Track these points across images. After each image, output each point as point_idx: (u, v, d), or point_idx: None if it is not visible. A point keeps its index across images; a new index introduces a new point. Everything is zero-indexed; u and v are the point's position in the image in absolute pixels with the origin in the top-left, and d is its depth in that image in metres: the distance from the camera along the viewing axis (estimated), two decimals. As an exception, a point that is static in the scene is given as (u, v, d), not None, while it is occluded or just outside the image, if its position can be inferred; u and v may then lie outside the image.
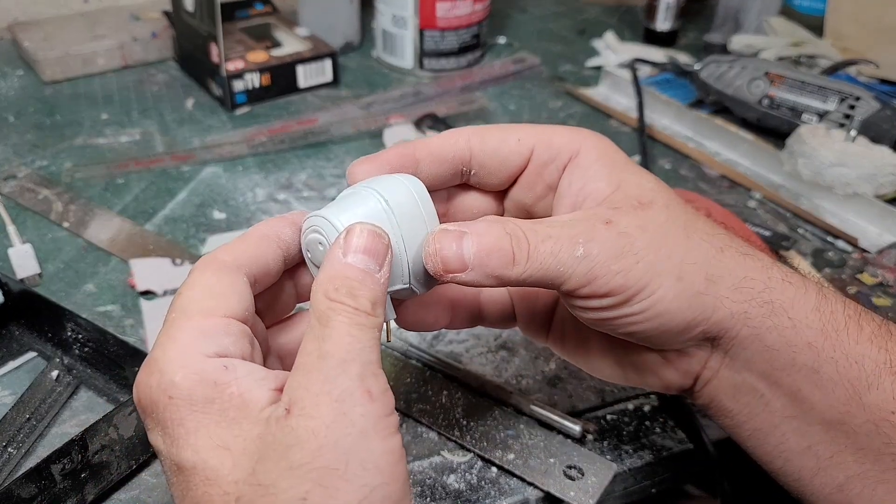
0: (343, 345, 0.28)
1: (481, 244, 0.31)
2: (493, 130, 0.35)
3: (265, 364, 0.33)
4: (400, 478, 0.27)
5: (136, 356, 0.45)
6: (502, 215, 0.38)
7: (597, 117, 0.81)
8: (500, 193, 0.38)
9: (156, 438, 0.28)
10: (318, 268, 0.31)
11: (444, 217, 0.37)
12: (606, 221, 0.32)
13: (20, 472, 0.38)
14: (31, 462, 0.42)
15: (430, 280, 0.33)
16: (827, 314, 0.33)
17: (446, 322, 0.39)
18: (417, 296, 0.34)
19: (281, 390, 0.28)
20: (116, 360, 0.47)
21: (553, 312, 0.40)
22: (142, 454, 0.43)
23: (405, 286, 0.32)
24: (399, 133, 0.74)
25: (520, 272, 0.31)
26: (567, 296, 0.33)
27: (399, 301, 0.36)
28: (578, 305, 0.33)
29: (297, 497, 0.25)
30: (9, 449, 0.43)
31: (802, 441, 0.34)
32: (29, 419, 0.45)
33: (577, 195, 0.34)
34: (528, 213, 0.37)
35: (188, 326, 0.29)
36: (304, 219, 0.33)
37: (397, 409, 0.47)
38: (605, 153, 0.35)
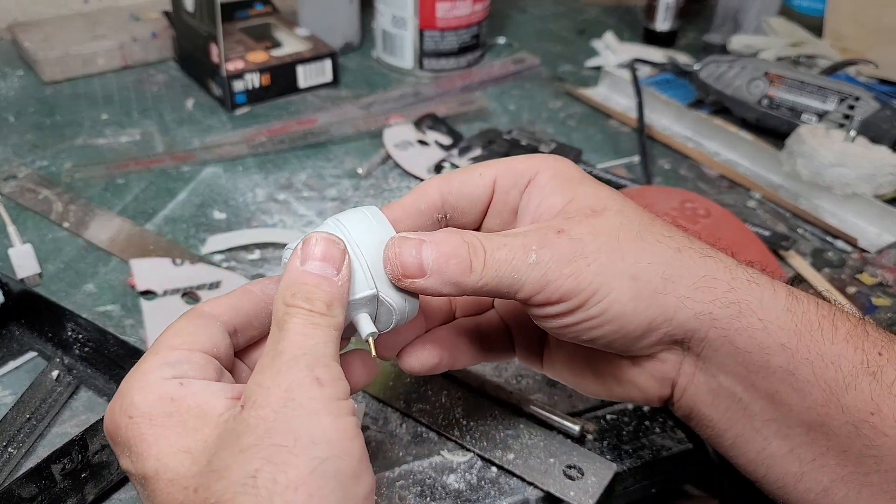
0: (296, 342, 0.29)
1: (440, 251, 0.32)
2: (458, 173, 0.37)
3: None
4: (353, 453, 0.28)
5: (136, 356, 0.45)
6: None
7: (596, 117, 0.81)
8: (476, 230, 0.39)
9: (125, 462, 0.30)
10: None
11: None
12: (559, 231, 0.33)
13: (20, 472, 0.39)
14: (32, 462, 0.42)
15: (399, 289, 0.34)
16: (799, 314, 0.33)
17: (449, 361, 0.39)
18: (406, 320, 0.35)
19: (239, 398, 0.30)
20: (116, 360, 0.47)
21: (545, 339, 0.41)
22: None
23: (372, 291, 0.33)
24: (399, 133, 0.74)
25: (476, 279, 0.32)
26: (525, 304, 0.34)
27: (394, 337, 0.37)
28: (537, 314, 0.34)
29: (247, 475, 0.26)
30: (9, 449, 0.43)
31: (784, 445, 0.34)
32: (29, 419, 0.45)
33: (534, 212, 0.35)
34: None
35: (152, 359, 0.31)
36: None
37: (398, 409, 0.47)
38: (561, 171, 0.36)
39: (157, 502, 0.28)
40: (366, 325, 0.33)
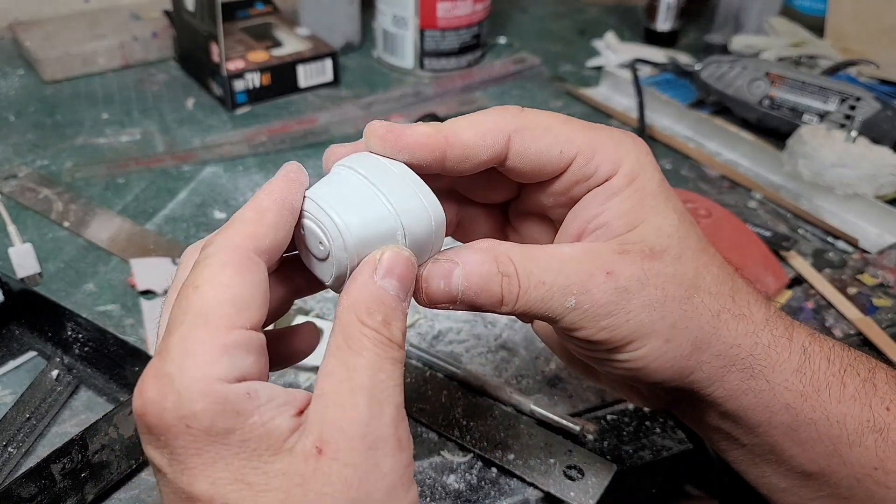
0: (377, 381, 0.26)
1: (470, 283, 0.30)
2: (537, 135, 0.32)
3: None
4: None
5: (136, 356, 0.45)
6: (518, 196, 0.36)
7: (597, 117, 0.81)
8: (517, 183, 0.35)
9: (158, 457, 0.26)
10: (315, 256, 0.30)
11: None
12: (607, 272, 0.30)
13: (20, 472, 0.39)
14: (31, 461, 0.42)
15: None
16: (808, 375, 0.32)
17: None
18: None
19: (301, 413, 0.27)
20: (116, 360, 0.47)
21: None
22: (142, 454, 0.43)
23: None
24: (399, 133, 0.74)
25: (507, 311, 0.31)
26: (556, 328, 0.33)
27: None
28: (565, 338, 0.33)
29: None
30: (9, 448, 0.43)
31: (783, 481, 0.34)
32: (29, 419, 0.45)
33: (590, 221, 0.33)
34: (543, 210, 0.35)
35: (208, 340, 0.26)
36: (306, 187, 0.30)
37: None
38: (639, 180, 0.32)
39: None
40: None
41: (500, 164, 0.32)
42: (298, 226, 0.30)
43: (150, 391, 0.25)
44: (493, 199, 0.36)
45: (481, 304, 0.30)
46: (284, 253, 0.30)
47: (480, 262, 0.30)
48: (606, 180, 0.32)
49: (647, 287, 0.31)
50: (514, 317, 0.40)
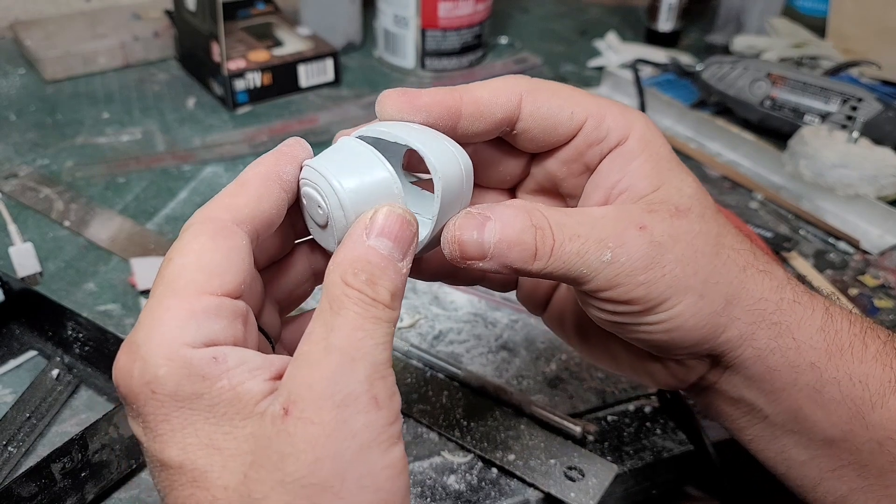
0: (353, 339, 0.25)
1: (504, 235, 0.29)
2: (548, 96, 0.32)
3: (272, 349, 0.31)
4: (399, 492, 0.25)
5: None
6: (527, 177, 0.36)
7: (598, 118, 0.81)
8: (530, 154, 0.35)
9: (136, 428, 0.26)
10: (317, 224, 0.30)
11: None
12: (640, 227, 0.30)
13: (20, 471, 0.38)
14: (32, 461, 0.42)
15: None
16: (832, 334, 0.33)
17: (451, 273, 0.36)
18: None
19: (279, 378, 0.26)
20: (117, 360, 0.47)
21: (555, 289, 0.39)
22: (142, 454, 0.43)
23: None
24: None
25: (540, 267, 0.30)
26: (584, 295, 0.32)
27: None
28: (594, 306, 0.32)
29: None
30: (9, 448, 0.43)
31: (803, 453, 0.34)
32: (29, 418, 0.45)
33: (613, 187, 0.33)
34: (554, 184, 0.35)
35: (175, 307, 0.26)
36: (302, 159, 0.30)
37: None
38: (652, 145, 0.33)
39: (175, 495, 0.25)
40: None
41: (511, 125, 0.32)
42: (300, 197, 0.30)
43: (120, 360, 0.26)
44: (503, 179, 0.36)
45: (513, 260, 0.30)
46: (301, 239, 0.31)
47: (514, 214, 0.30)
48: (618, 144, 0.33)
49: (678, 243, 0.31)
50: (531, 289, 0.39)
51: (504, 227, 0.29)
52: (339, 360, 0.25)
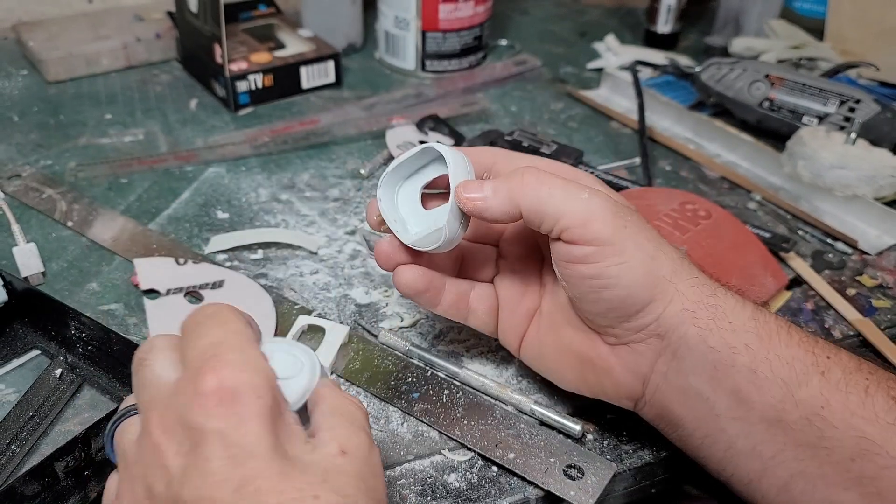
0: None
1: (497, 179, 0.40)
2: (562, 189, 0.39)
3: None
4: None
5: None
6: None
7: (597, 119, 0.82)
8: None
9: (215, 419, 0.29)
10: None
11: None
12: (608, 195, 0.40)
13: (23, 470, 0.39)
14: (35, 460, 0.42)
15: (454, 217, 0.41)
16: (761, 322, 0.38)
17: (432, 297, 0.44)
18: (452, 244, 0.42)
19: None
20: (120, 359, 0.47)
21: (528, 326, 0.45)
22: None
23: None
24: (401, 134, 0.75)
25: (533, 198, 0.38)
26: (557, 241, 0.39)
27: (414, 256, 0.44)
28: (563, 254, 0.39)
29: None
30: (12, 447, 0.43)
31: (747, 442, 0.37)
32: (32, 417, 0.45)
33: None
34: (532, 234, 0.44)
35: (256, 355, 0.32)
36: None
37: (399, 408, 0.47)
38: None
39: (213, 457, 0.28)
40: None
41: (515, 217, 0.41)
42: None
43: (235, 369, 0.31)
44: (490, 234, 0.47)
45: (510, 187, 0.39)
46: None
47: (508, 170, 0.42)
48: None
49: (637, 216, 0.39)
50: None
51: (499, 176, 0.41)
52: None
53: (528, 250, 0.46)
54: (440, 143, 0.42)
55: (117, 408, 0.35)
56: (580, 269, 0.38)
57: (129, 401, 0.34)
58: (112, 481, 0.33)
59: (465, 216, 0.41)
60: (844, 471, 0.35)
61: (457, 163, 0.41)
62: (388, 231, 0.44)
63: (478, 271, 0.47)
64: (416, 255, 0.44)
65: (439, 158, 0.43)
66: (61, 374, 0.47)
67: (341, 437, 0.32)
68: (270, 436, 0.29)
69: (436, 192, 0.45)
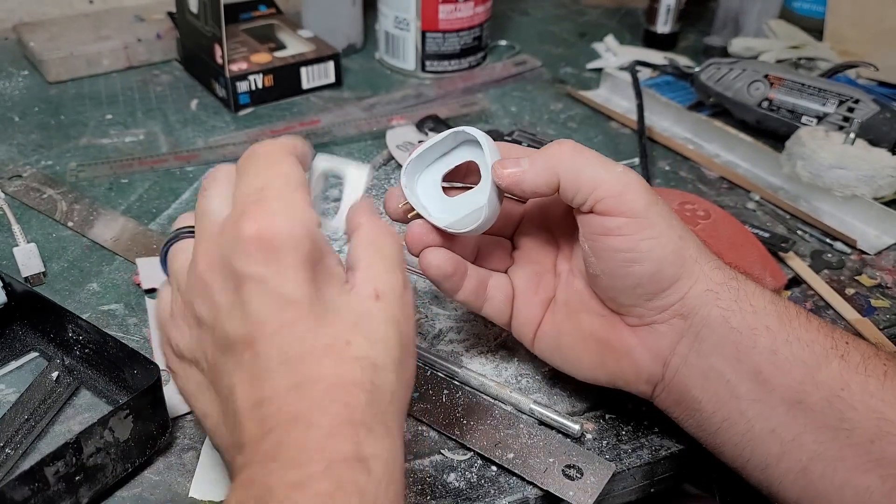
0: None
1: (535, 153, 0.41)
2: (601, 167, 0.40)
3: None
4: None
5: (135, 359, 0.44)
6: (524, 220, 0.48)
7: (597, 119, 0.82)
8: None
9: (224, 296, 0.31)
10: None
11: None
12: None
13: (17, 473, 0.37)
14: (30, 462, 0.41)
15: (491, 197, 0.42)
16: (781, 306, 0.39)
17: (456, 282, 0.44)
18: (488, 224, 0.42)
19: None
20: (116, 363, 0.46)
21: (544, 316, 0.45)
22: (138, 457, 0.42)
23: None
24: (401, 134, 0.75)
25: (570, 167, 0.39)
26: (590, 213, 0.39)
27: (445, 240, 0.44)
28: (595, 224, 0.39)
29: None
30: (6, 450, 0.43)
31: (767, 424, 0.37)
32: (28, 419, 0.44)
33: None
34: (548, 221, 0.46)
35: (303, 196, 0.33)
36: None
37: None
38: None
39: (290, 334, 0.30)
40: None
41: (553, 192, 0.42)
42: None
43: (275, 218, 0.32)
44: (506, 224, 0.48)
45: (549, 155, 0.40)
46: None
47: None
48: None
49: (666, 205, 0.40)
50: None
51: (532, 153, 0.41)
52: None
53: (543, 242, 0.46)
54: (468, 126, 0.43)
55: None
56: (612, 241, 0.39)
57: (187, 220, 0.37)
58: (166, 293, 0.38)
59: (500, 197, 0.42)
60: (864, 452, 0.35)
61: (490, 143, 0.42)
62: (414, 220, 0.43)
63: (493, 262, 0.47)
64: (445, 240, 0.43)
65: (460, 147, 0.44)
66: (58, 376, 0.47)
67: (377, 278, 0.33)
68: (308, 284, 0.31)
69: (455, 185, 0.45)
